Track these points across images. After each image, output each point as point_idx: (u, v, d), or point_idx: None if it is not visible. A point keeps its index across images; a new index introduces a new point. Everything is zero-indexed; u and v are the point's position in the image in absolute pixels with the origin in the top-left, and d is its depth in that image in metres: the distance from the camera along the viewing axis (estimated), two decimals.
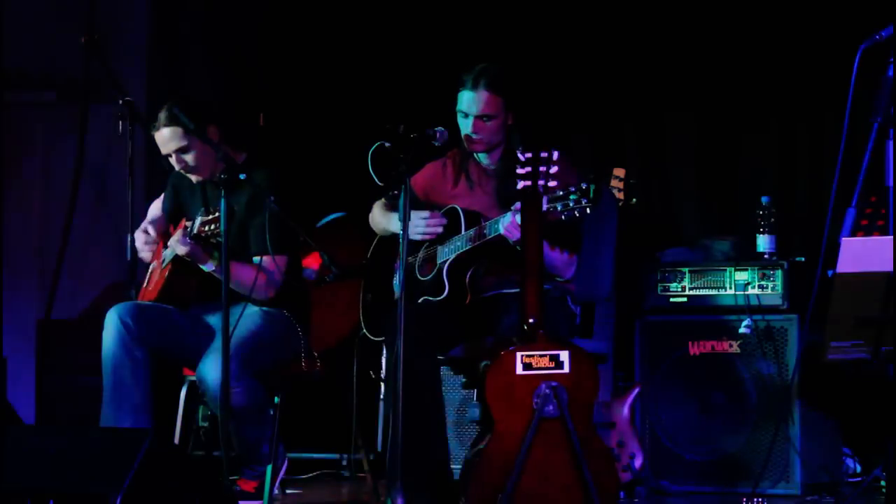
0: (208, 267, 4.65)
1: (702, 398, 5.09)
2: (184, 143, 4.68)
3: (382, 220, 4.84)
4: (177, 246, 4.64)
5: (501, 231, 4.38)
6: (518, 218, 4.21)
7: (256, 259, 4.67)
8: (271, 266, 4.65)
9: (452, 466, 4.58)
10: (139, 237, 4.96)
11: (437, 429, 4.45)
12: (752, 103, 5.66)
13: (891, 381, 3.82)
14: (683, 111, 5.77)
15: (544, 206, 4.15)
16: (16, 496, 3.74)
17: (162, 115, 4.69)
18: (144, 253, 4.97)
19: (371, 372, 5.19)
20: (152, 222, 4.99)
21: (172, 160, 4.75)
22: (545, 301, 4.15)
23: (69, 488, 3.75)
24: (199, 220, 4.57)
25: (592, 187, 4.08)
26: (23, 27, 6.17)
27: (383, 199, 4.88)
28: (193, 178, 4.79)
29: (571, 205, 4.11)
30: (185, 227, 4.65)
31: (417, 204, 4.71)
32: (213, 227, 4.50)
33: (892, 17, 3.87)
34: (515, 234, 4.30)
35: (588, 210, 4.09)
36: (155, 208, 5.07)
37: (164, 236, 4.95)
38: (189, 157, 4.72)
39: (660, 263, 5.23)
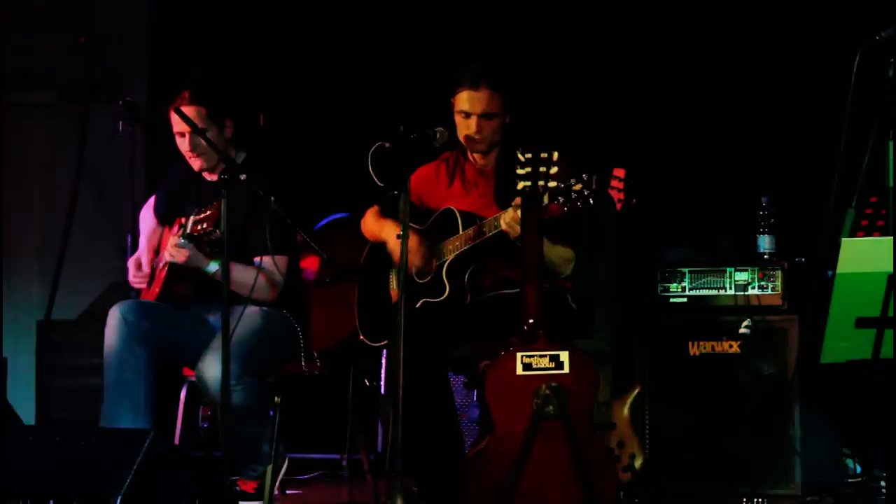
0: (211, 268, 4.62)
1: (702, 398, 5.08)
2: (202, 125, 4.61)
3: (375, 226, 4.82)
4: (176, 253, 4.59)
5: (503, 227, 4.36)
6: (519, 213, 4.18)
7: (257, 261, 4.65)
8: (272, 267, 4.63)
9: None
10: (132, 267, 4.90)
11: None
12: (753, 103, 5.66)
13: (891, 382, 3.82)
14: (683, 111, 5.76)
15: (546, 200, 4.13)
16: (16, 496, 3.75)
17: (187, 93, 4.63)
18: (135, 284, 4.92)
19: (366, 380, 5.17)
20: (146, 245, 4.94)
21: (183, 140, 4.70)
22: (545, 301, 4.14)
23: (69, 488, 3.75)
24: (191, 218, 4.55)
25: (595, 177, 4.07)
26: (23, 27, 6.17)
27: (376, 207, 4.87)
28: (195, 165, 4.75)
29: (574, 196, 4.09)
30: (181, 225, 4.62)
31: (411, 208, 4.70)
32: (205, 224, 4.47)
33: (892, 17, 3.87)
34: (517, 229, 4.26)
35: (591, 200, 4.07)
36: (147, 219, 5.03)
37: (161, 238, 4.94)
38: (201, 140, 4.67)
39: (660, 263, 5.22)
